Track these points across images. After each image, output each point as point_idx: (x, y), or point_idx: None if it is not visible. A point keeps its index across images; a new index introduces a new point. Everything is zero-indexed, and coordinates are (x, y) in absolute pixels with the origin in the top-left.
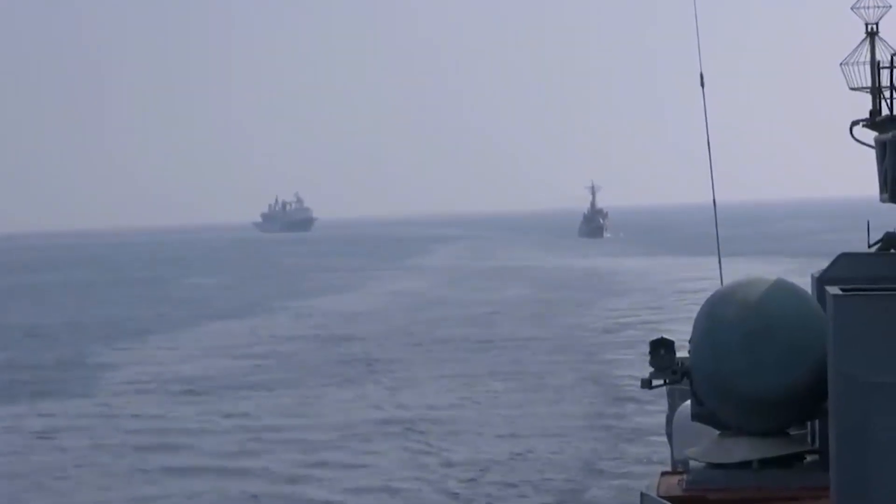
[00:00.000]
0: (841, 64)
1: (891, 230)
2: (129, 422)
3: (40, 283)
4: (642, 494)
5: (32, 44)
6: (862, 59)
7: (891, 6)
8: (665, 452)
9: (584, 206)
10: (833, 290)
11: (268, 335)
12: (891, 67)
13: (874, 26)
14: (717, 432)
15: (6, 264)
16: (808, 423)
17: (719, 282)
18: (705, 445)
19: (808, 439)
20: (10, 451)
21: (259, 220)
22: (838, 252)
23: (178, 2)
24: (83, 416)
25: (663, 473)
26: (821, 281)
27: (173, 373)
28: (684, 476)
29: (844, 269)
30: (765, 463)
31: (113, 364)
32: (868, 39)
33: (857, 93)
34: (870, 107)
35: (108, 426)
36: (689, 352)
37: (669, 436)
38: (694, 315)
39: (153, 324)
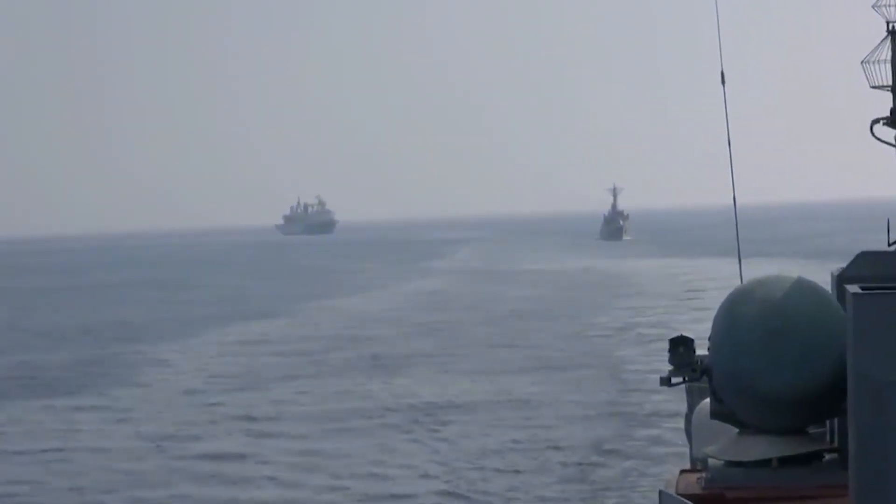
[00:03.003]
0: (862, 62)
1: None
2: (145, 422)
3: (62, 286)
4: (661, 492)
5: (48, 45)
6: (883, 58)
7: None
8: (683, 449)
9: (605, 209)
10: (853, 288)
11: (287, 335)
12: None
13: (895, 25)
14: (736, 430)
15: (27, 268)
16: (828, 421)
17: (739, 281)
18: (724, 443)
19: (827, 437)
20: (39, 450)
21: (281, 222)
22: (857, 252)
23: (200, 4)
24: (99, 418)
25: (682, 471)
26: (840, 279)
27: (198, 372)
28: (703, 474)
29: (864, 267)
30: (784, 461)
31: (131, 364)
32: (889, 38)
33: (878, 91)
34: (891, 105)
35: (122, 428)
36: (709, 349)
37: (688, 433)
38: (712, 314)
39: (175, 325)
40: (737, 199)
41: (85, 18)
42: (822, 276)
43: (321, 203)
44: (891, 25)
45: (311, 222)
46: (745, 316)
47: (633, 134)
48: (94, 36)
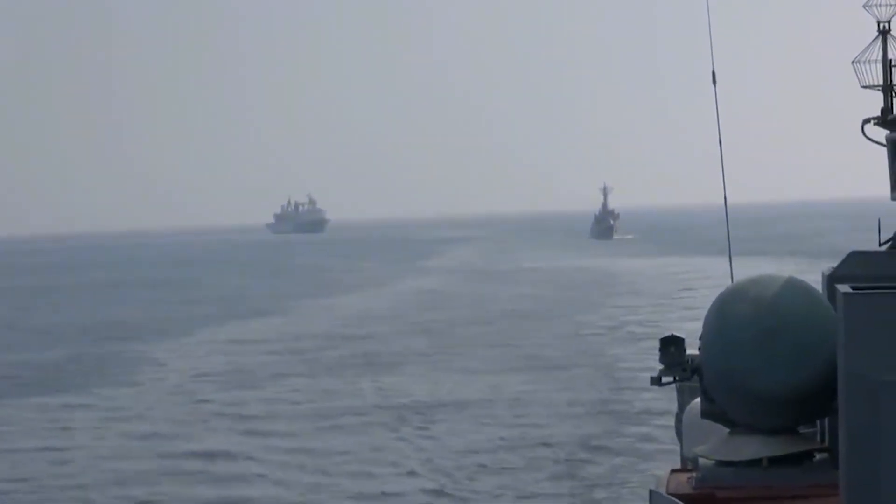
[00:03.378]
0: (853, 62)
1: None
2: (138, 420)
3: (58, 284)
4: (652, 492)
5: (48, 47)
6: (874, 58)
7: None
8: (673, 447)
9: (596, 208)
10: (844, 288)
11: (283, 334)
12: None
13: (886, 24)
14: (727, 430)
15: (27, 267)
16: (818, 421)
17: (730, 280)
18: (715, 443)
19: (818, 437)
20: (34, 448)
21: (272, 221)
22: (848, 251)
23: (192, 3)
24: (93, 416)
25: (673, 471)
26: (832, 279)
27: (193, 371)
28: (694, 474)
29: (855, 267)
30: (774, 461)
31: (128, 363)
32: (880, 38)
33: (869, 91)
34: (881, 105)
35: (116, 426)
36: (700, 349)
37: (679, 433)
38: (702, 313)
39: (173, 324)
40: (732, 199)
41: (82, 18)
42: (814, 275)
43: (312, 202)
44: (882, 25)
45: (302, 221)
46: (736, 315)
47: (633, 133)
48: (91, 37)
